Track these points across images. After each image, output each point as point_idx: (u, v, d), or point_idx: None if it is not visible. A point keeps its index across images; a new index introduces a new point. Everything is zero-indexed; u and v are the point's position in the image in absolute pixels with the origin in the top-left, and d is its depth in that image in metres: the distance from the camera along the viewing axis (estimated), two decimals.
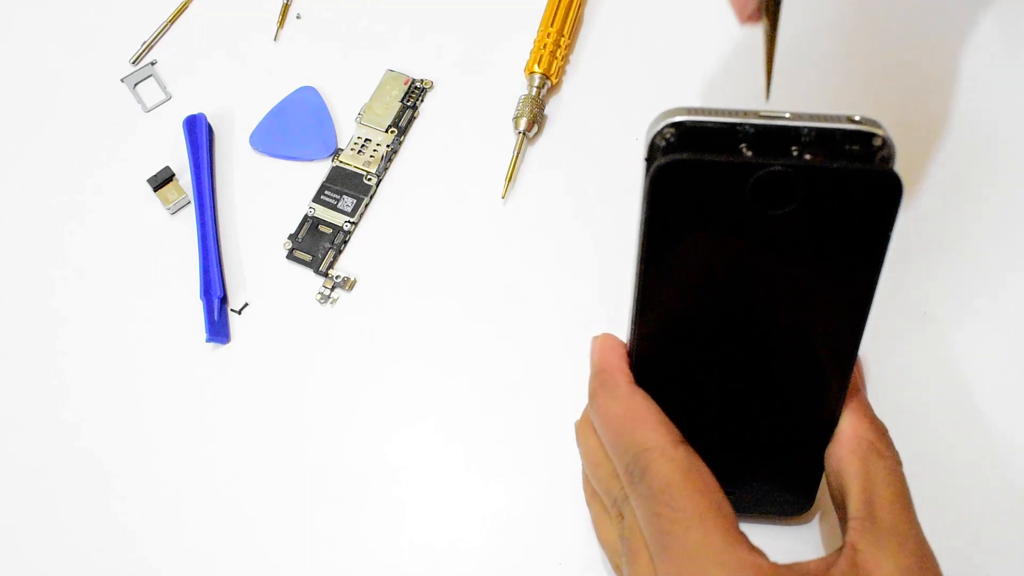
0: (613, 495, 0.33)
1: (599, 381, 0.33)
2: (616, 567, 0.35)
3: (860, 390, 0.33)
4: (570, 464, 0.39)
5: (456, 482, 0.41)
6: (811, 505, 0.36)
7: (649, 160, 0.29)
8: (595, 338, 0.34)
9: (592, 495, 0.36)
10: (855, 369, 0.33)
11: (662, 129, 0.28)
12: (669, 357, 0.32)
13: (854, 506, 0.31)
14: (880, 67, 0.49)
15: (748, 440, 0.34)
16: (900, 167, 0.28)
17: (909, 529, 0.30)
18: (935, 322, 0.43)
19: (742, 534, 0.29)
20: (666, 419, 0.31)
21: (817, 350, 0.31)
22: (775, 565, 0.29)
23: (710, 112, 0.28)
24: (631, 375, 0.33)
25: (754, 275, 0.30)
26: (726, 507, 0.30)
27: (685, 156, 0.27)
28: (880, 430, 0.32)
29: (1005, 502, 0.39)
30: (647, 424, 0.31)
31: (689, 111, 0.28)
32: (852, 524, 0.30)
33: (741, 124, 0.28)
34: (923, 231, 0.45)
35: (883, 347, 0.42)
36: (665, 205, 0.28)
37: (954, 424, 0.41)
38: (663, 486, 0.30)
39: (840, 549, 0.30)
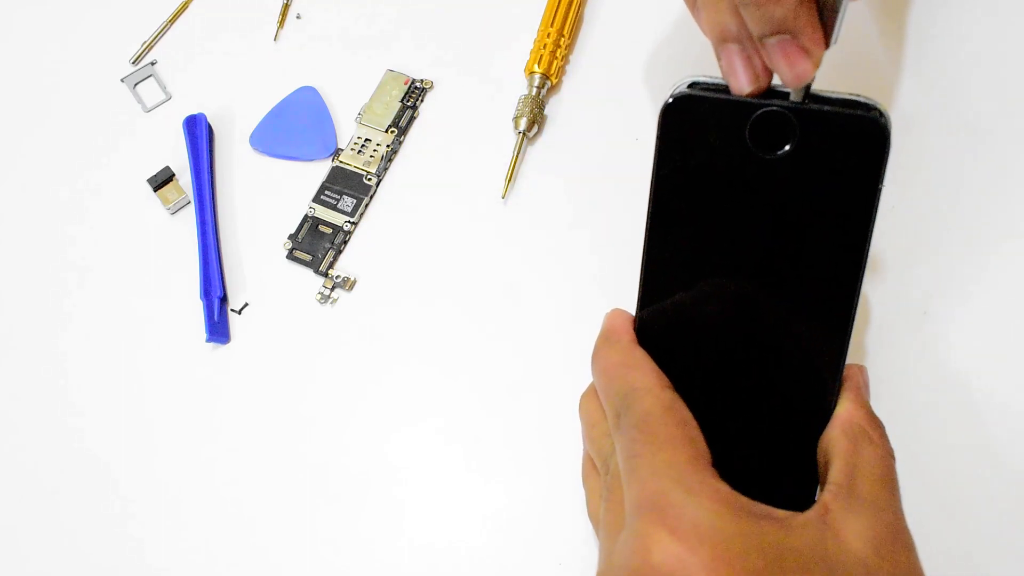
0: (604, 454, 0.33)
1: (603, 338, 0.34)
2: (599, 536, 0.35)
3: (860, 388, 0.33)
4: (570, 464, 0.39)
5: (456, 482, 0.41)
6: None
7: None
8: (606, 313, 0.35)
9: (588, 473, 0.36)
10: (860, 373, 0.33)
11: (680, 87, 0.31)
12: (671, 315, 0.33)
13: (835, 475, 0.30)
14: (880, 67, 0.49)
15: (742, 421, 0.34)
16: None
17: (887, 505, 0.30)
18: (935, 322, 0.43)
19: (711, 467, 0.29)
20: (659, 370, 0.32)
21: (812, 309, 0.32)
22: (736, 494, 0.28)
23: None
24: (634, 336, 0.34)
25: (752, 220, 0.31)
26: (700, 443, 0.30)
27: (693, 92, 0.30)
28: (875, 421, 0.32)
29: (1005, 502, 0.39)
30: (641, 369, 0.32)
31: (708, 76, 0.31)
32: (829, 488, 0.30)
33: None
34: (923, 231, 0.45)
35: (883, 347, 0.42)
36: (673, 142, 0.31)
37: (954, 424, 0.41)
38: (643, 416, 0.30)
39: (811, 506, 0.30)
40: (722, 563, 0.26)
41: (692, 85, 0.31)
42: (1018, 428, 0.40)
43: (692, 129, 0.31)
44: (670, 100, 0.30)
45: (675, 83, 0.31)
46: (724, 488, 0.28)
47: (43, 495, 0.42)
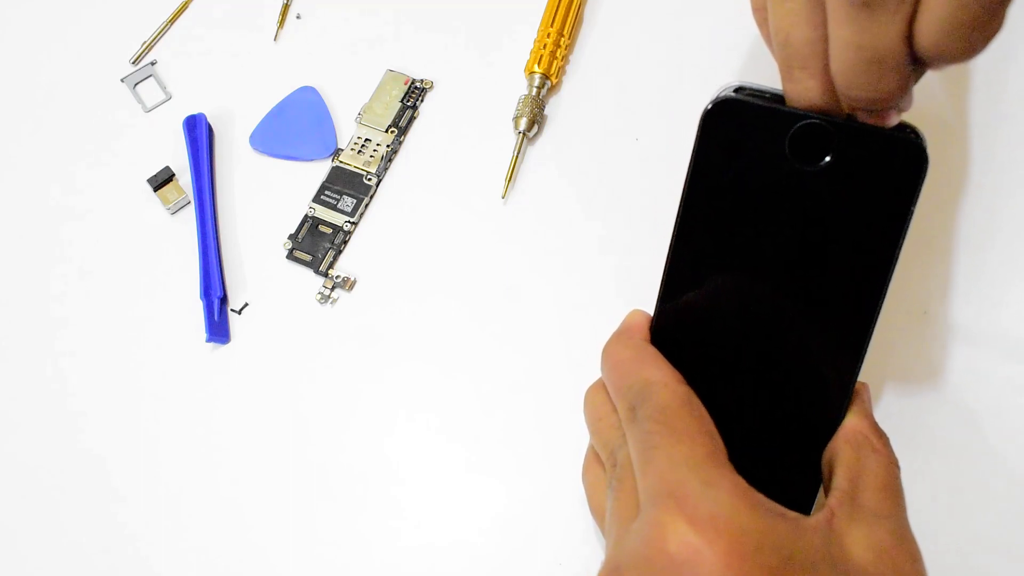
0: (612, 446, 0.33)
1: (616, 334, 0.34)
2: (603, 529, 0.35)
3: (866, 402, 0.33)
4: (570, 464, 0.39)
5: (456, 482, 0.41)
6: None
7: None
8: (629, 311, 0.36)
9: (589, 465, 0.36)
10: (864, 390, 0.33)
11: (724, 91, 0.31)
12: (691, 317, 0.33)
13: (838, 482, 0.31)
14: None
15: (749, 425, 0.34)
16: None
17: (891, 513, 0.30)
18: (935, 322, 0.43)
19: (729, 462, 0.29)
20: (672, 366, 0.32)
21: (832, 323, 0.32)
22: (753, 489, 0.28)
23: (769, 88, 0.31)
24: (648, 335, 0.34)
25: (781, 229, 0.31)
26: (717, 438, 0.30)
27: (736, 96, 0.30)
28: (879, 431, 0.32)
29: (1005, 502, 0.39)
30: (655, 364, 0.32)
31: (752, 83, 0.31)
32: (833, 494, 0.30)
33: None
34: (924, 229, 0.45)
35: (883, 347, 0.42)
36: (712, 145, 0.31)
37: (953, 424, 0.41)
38: (661, 409, 0.30)
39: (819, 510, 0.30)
40: (737, 557, 0.26)
41: (739, 90, 0.31)
42: (1018, 428, 0.40)
43: (731, 134, 0.30)
44: (712, 104, 0.30)
45: (721, 86, 0.31)
46: (742, 483, 0.28)
47: (43, 495, 0.42)
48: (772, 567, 0.27)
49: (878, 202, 0.30)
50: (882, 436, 0.32)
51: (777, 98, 0.30)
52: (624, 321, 0.35)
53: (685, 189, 0.32)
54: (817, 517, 0.29)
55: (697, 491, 0.28)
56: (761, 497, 0.28)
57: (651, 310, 0.35)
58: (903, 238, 0.30)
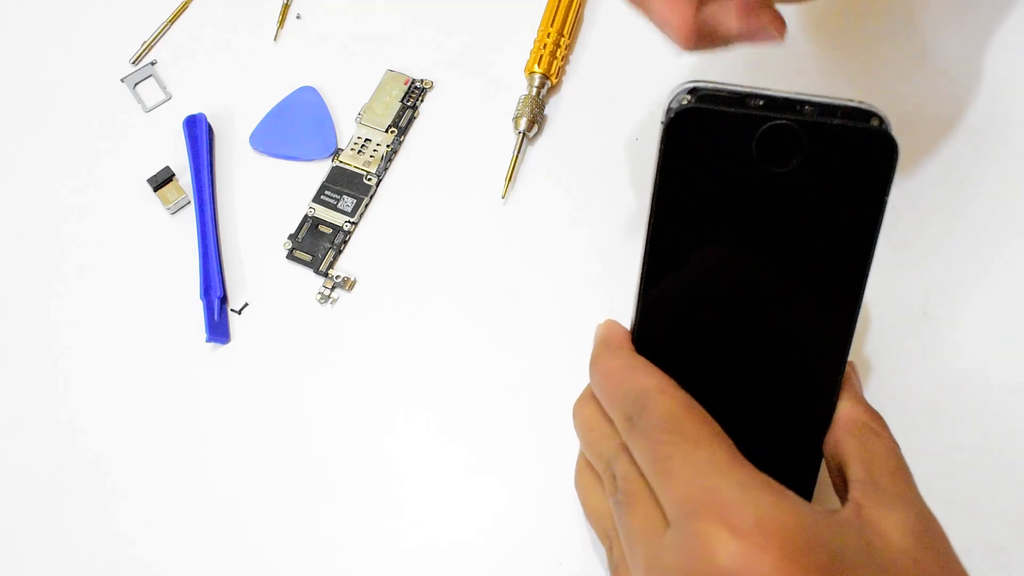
0: (606, 457, 0.32)
1: (602, 346, 0.34)
2: (603, 534, 0.34)
3: (855, 384, 0.33)
4: (570, 464, 0.38)
5: (456, 482, 0.41)
6: None
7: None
8: (599, 324, 0.35)
9: (582, 470, 0.36)
10: (852, 371, 0.33)
11: (679, 93, 0.30)
12: (670, 328, 0.33)
13: (854, 473, 0.30)
14: (878, 66, 0.49)
15: (743, 426, 0.34)
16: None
17: (913, 496, 0.29)
18: (935, 322, 0.43)
19: (749, 462, 0.29)
20: (664, 373, 0.32)
21: (815, 318, 0.32)
22: (783, 487, 0.28)
23: (726, 84, 0.31)
24: (632, 346, 0.34)
25: (757, 234, 0.31)
26: (728, 438, 0.29)
27: (698, 105, 0.30)
28: (875, 415, 0.32)
29: (1005, 501, 0.39)
30: (647, 372, 0.32)
31: (707, 81, 0.30)
32: (854, 486, 0.30)
33: (752, 94, 0.30)
34: (923, 230, 0.45)
35: (884, 348, 0.42)
36: (677, 155, 0.30)
37: (954, 424, 0.41)
38: (665, 416, 0.30)
39: (843, 505, 0.30)
40: (790, 560, 0.26)
41: (692, 91, 0.30)
42: (1019, 429, 0.40)
43: (696, 142, 0.30)
44: (674, 114, 0.30)
45: (673, 89, 0.30)
46: (774, 482, 0.28)
47: (40, 494, 0.42)
48: (824, 565, 0.26)
49: (852, 195, 0.30)
50: (878, 418, 0.32)
51: (736, 97, 0.30)
52: (602, 331, 0.34)
53: (652, 199, 0.31)
54: (846, 512, 0.29)
55: (735, 496, 0.27)
56: (792, 493, 0.28)
57: None
58: (879, 227, 0.30)
